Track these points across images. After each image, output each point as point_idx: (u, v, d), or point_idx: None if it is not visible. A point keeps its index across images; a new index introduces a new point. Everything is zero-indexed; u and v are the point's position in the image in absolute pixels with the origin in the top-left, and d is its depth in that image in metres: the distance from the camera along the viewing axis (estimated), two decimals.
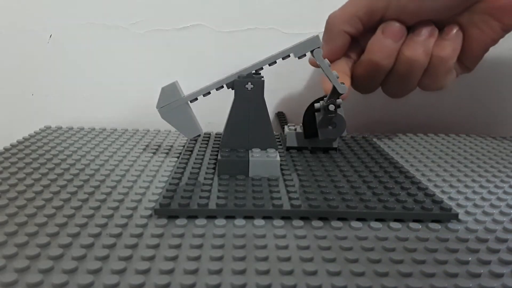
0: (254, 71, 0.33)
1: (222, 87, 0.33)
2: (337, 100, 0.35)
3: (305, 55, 0.32)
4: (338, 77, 0.33)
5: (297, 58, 0.32)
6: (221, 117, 0.37)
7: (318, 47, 0.32)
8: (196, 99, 0.34)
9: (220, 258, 0.22)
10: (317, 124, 0.36)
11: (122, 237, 0.24)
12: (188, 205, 0.26)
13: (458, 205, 0.29)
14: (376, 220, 0.27)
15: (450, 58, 0.37)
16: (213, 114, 0.48)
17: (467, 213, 0.28)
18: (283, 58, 0.33)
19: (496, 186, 0.33)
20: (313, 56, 0.32)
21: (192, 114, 0.35)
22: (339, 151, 0.39)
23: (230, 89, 0.33)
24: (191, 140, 0.42)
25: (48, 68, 0.51)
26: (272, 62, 0.33)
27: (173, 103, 0.33)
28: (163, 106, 0.34)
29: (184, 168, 0.33)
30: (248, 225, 0.26)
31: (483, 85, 0.54)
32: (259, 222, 0.26)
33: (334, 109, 0.35)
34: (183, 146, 0.41)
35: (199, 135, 0.35)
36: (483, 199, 0.31)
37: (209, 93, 0.34)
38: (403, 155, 0.41)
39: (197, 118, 0.35)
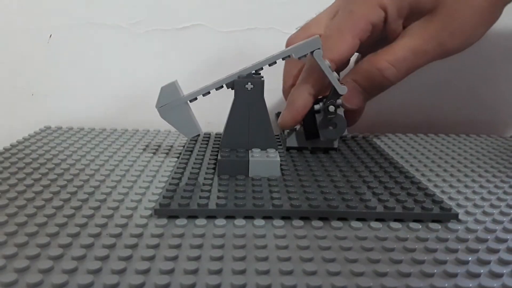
0: (254, 71, 0.33)
1: (222, 87, 0.33)
2: (337, 100, 0.35)
3: (305, 56, 0.32)
4: (338, 79, 0.33)
5: (297, 58, 0.32)
6: (221, 117, 0.37)
7: (319, 48, 0.32)
8: (196, 98, 0.34)
9: (220, 258, 0.22)
10: (318, 125, 0.36)
11: (122, 237, 0.24)
12: (188, 205, 0.26)
13: (458, 205, 0.29)
14: (376, 220, 0.27)
15: None
16: (213, 114, 0.47)
17: (467, 213, 0.28)
18: (283, 59, 0.33)
19: (496, 186, 0.33)
20: (313, 57, 0.32)
21: (192, 113, 0.35)
22: (339, 151, 0.39)
23: (230, 89, 0.33)
24: (191, 140, 0.42)
25: (48, 68, 0.51)
26: (272, 63, 0.33)
27: (172, 102, 0.33)
28: (163, 105, 0.34)
29: (184, 168, 0.33)
30: (248, 225, 0.26)
31: (483, 85, 0.54)
32: (259, 222, 0.26)
33: (334, 110, 0.35)
34: (183, 146, 0.41)
35: (198, 135, 0.35)
36: (483, 199, 0.30)
37: (208, 92, 0.34)
38: (403, 155, 0.41)
39: (197, 118, 0.35)
